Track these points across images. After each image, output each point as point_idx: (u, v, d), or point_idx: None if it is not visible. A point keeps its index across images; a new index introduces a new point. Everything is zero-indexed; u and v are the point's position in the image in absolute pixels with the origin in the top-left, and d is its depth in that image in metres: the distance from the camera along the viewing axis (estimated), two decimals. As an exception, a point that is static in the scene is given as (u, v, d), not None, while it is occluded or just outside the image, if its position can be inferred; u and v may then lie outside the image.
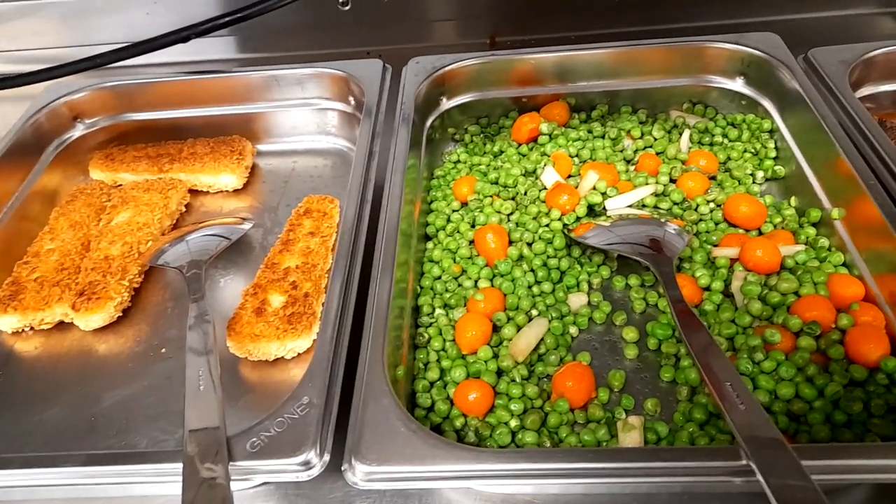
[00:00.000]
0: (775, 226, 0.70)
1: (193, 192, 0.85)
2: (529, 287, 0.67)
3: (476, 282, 0.68)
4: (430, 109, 0.85)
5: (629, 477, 0.46)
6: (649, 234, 0.67)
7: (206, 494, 0.44)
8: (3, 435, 0.61)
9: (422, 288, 0.68)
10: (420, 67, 0.84)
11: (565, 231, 0.71)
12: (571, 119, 0.86)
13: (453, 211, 0.77)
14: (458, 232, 0.73)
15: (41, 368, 0.66)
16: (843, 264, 0.64)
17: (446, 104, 0.86)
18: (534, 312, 0.65)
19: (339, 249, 0.64)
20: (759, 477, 0.42)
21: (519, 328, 0.63)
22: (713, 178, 0.77)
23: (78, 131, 0.90)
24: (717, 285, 0.64)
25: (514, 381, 0.59)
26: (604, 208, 0.73)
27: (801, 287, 0.61)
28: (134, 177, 0.84)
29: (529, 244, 0.70)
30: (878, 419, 0.53)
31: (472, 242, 0.72)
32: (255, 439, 0.49)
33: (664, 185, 0.74)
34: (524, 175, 0.78)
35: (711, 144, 0.81)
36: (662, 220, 0.69)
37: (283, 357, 0.63)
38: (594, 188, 0.74)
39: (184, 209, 0.83)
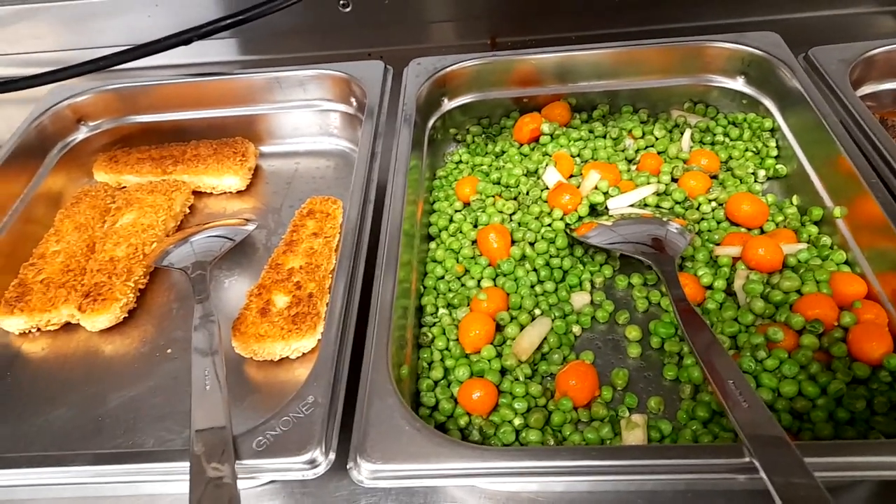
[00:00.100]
0: (777, 224, 0.70)
1: (197, 194, 0.85)
2: (532, 286, 0.67)
3: (479, 281, 0.68)
4: (432, 110, 0.85)
5: (633, 475, 0.46)
6: (651, 233, 0.67)
7: (213, 493, 0.45)
8: (11, 435, 0.61)
9: (425, 288, 0.69)
10: (421, 68, 0.84)
11: (567, 230, 0.71)
12: (573, 119, 0.86)
13: (456, 211, 0.77)
14: (460, 232, 0.74)
15: (48, 369, 0.67)
16: (846, 262, 0.65)
17: (448, 105, 0.87)
18: (537, 312, 0.65)
19: (342, 250, 0.64)
20: (763, 474, 0.42)
21: (522, 327, 0.63)
22: (715, 177, 0.77)
23: (82, 134, 0.90)
24: (720, 284, 0.64)
25: (517, 379, 0.60)
26: (606, 208, 0.73)
27: (803, 285, 0.62)
28: (138, 179, 0.85)
29: (532, 244, 0.70)
30: (881, 416, 0.53)
31: (474, 242, 0.72)
32: (260, 438, 0.49)
33: (666, 185, 0.75)
34: (526, 175, 0.78)
35: (713, 143, 0.81)
36: (664, 219, 0.69)
37: (287, 357, 0.64)
38: (596, 188, 0.74)
39: (188, 211, 0.83)
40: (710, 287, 0.65)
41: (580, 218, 0.72)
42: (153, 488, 0.55)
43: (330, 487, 0.55)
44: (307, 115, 0.90)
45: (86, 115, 0.90)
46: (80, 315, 0.68)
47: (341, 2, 1.03)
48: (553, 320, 0.64)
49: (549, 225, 0.72)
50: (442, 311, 0.66)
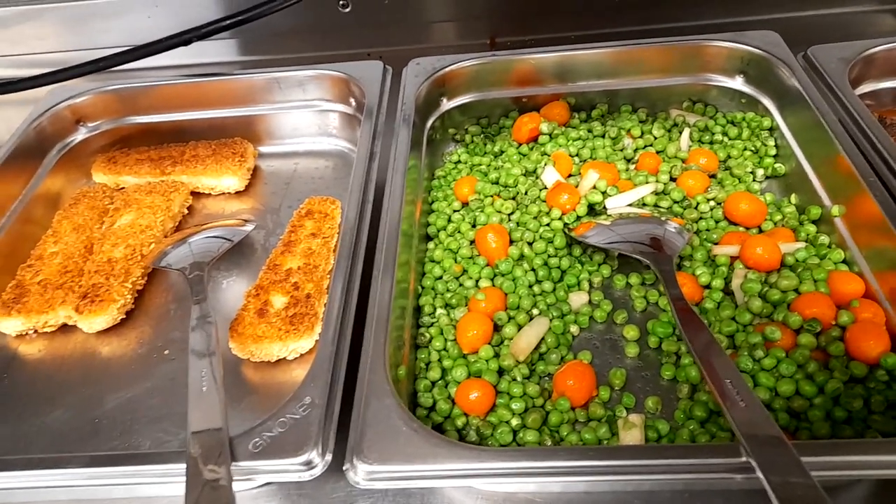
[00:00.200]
0: (775, 223, 0.70)
1: (195, 195, 0.85)
2: (530, 286, 0.67)
3: (477, 281, 0.68)
4: (431, 110, 0.85)
5: (631, 475, 0.46)
6: (650, 232, 0.67)
7: (209, 495, 0.45)
8: (8, 437, 0.61)
9: (423, 288, 0.69)
10: (420, 68, 0.84)
11: (566, 230, 0.71)
12: (571, 118, 0.86)
13: (454, 211, 0.77)
14: (458, 232, 0.73)
15: (45, 371, 0.67)
16: (844, 261, 0.65)
17: (447, 105, 0.87)
18: (535, 311, 0.65)
19: (340, 250, 0.64)
20: (760, 474, 0.42)
21: (520, 327, 0.63)
22: (713, 176, 0.77)
23: (81, 135, 0.90)
24: (718, 283, 0.64)
25: (515, 380, 0.59)
26: (604, 207, 0.73)
27: (801, 284, 0.61)
28: (136, 179, 0.85)
29: (530, 243, 0.70)
30: (878, 415, 0.53)
31: (472, 242, 0.72)
32: (257, 439, 0.49)
33: (664, 184, 0.75)
34: (525, 175, 0.78)
35: (711, 143, 0.81)
36: (663, 218, 0.69)
37: (285, 358, 0.64)
38: (594, 187, 0.74)
39: (186, 211, 0.83)
40: (708, 286, 0.65)
41: (578, 217, 0.72)
42: (149, 490, 0.55)
43: (326, 489, 0.55)
44: (306, 116, 0.90)
45: (85, 115, 0.90)
46: (78, 316, 0.68)
47: (341, 2, 1.03)
48: (551, 320, 0.64)
49: (548, 224, 0.72)
50: (440, 311, 0.66)
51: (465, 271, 0.70)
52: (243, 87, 0.90)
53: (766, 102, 0.81)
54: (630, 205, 0.73)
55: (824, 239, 0.66)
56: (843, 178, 0.66)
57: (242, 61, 1.11)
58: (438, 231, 0.74)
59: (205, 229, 0.76)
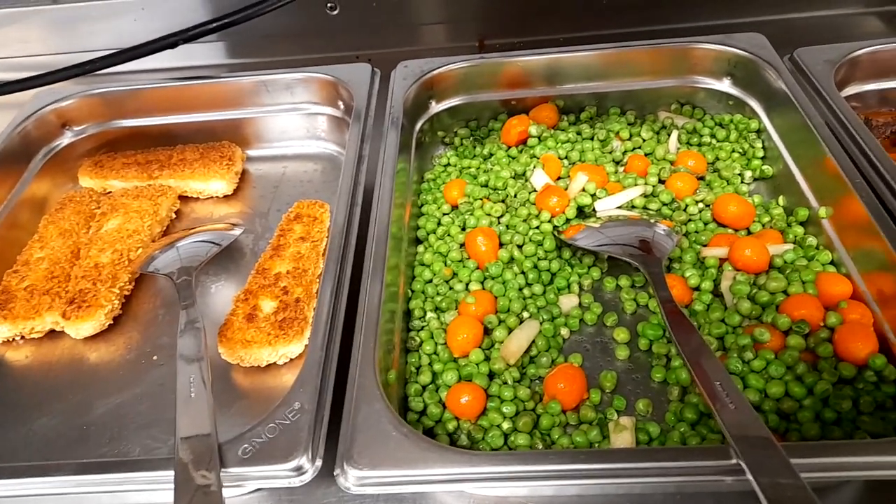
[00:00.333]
0: (763, 225, 0.70)
1: (183, 199, 0.85)
2: (520, 289, 0.67)
3: (467, 285, 0.68)
4: (420, 113, 0.85)
5: (622, 477, 0.46)
6: (639, 234, 0.67)
7: (199, 502, 0.44)
8: (-6, 445, 0.60)
9: (413, 291, 0.69)
10: (409, 71, 0.84)
11: (555, 233, 0.71)
12: (560, 121, 0.86)
13: (444, 214, 0.77)
14: (448, 235, 0.73)
15: (32, 377, 0.66)
16: (831, 263, 0.65)
17: (435, 108, 0.87)
18: (525, 315, 0.65)
19: (329, 254, 0.64)
20: (750, 476, 0.43)
21: (510, 330, 0.63)
22: (702, 178, 0.77)
23: (66, 139, 0.90)
24: (707, 285, 0.65)
25: (505, 383, 0.59)
26: (593, 210, 0.73)
27: (789, 286, 0.62)
28: (123, 184, 0.84)
29: (520, 246, 0.70)
30: (867, 416, 0.53)
31: (462, 245, 0.72)
32: (246, 445, 0.49)
33: (653, 186, 0.75)
34: (514, 177, 0.78)
35: (700, 145, 0.81)
36: (652, 220, 0.69)
37: (274, 363, 0.63)
38: (584, 190, 0.74)
39: (174, 216, 0.83)
40: (697, 288, 0.65)
41: (568, 220, 0.72)
42: (139, 498, 0.55)
43: (317, 494, 0.55)
44: (294, 119, 0.90)
45: (71, 119, 0.90)
46: (65, 322, 0.67)
47: (329, 4, 1.03)
48: (541, 323, 0.64)
49: (537, 227, 0.72)
50: (430, 314, 0.66)
51: (454, 274, 0.69)
52: (231, 90, 0.89)
53: (754, 104, 0.81)
54: (619, 207, 0.73)
55: (812, 240, 0.67)
56: (830, 180, 0.67)
57: (230, 64, 1.10)
58: (428, 234, 0.74)
59: (193, 234, 0.76)
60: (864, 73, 0.82)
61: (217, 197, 0.85)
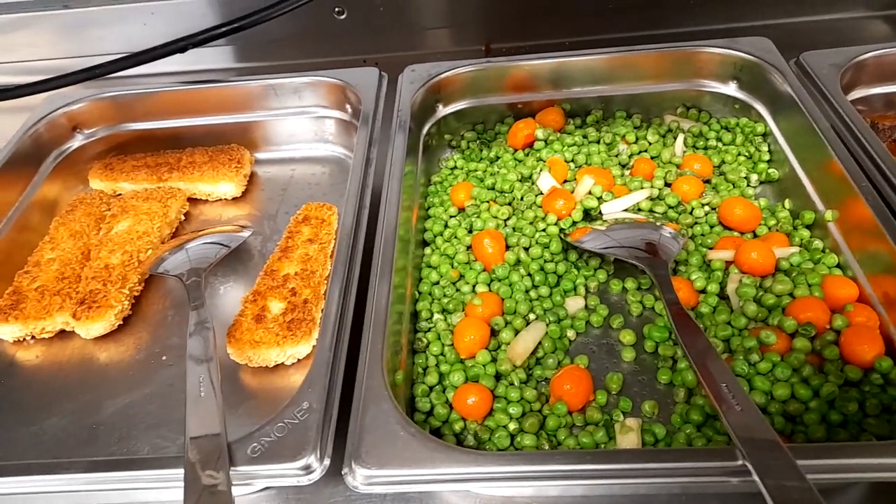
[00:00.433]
0: (770, 228, 0.71)
1: (192, 201, 0.86)
2: (527, 291, 0.67)
3: (474, 286, 0.68)
4: (427, 116, 0.86)
5: (627, 478, 0.46)
6: (645, 237, 0.67)
7: (208, 501, 0.45)
8: (4, 443, 0.61)
9: (420, 293, 0.69)
10: (416, 75, 0.85)
11: (562, 235, 0.71)
12: (567, 124, 0.86)
13: (451, 216, 0.77)
14: (455, 237, 0.74)
15: (42, 377, 0.67)
16: (837, 265, 0.65)
17: (442, 111, 0.87)
18: (531, 316, 0.65)
19: (337, 256, 0.64)
20: (756, 477, 0.43)
21: (517, 332, 0.63)
22: (708, 181, 0.78)
23: (77, 141, 0.90)
24: (713, 288, 0.65)
25: (512, 384, 0.60)
26: (600, 212, 0.73)
27: (795, 289, 0.62)
28: (133, 186, 0.85)
29: (526, 249, 0.71)
30: (873, 419, 0.53)
31: (469, 247, 0.72)
32: (255, 444, 0.49)
33: (659, 189, 0.75)
34: (520, 180, 0.79)
35: (706, 148, 0.81)
36: (658, 223, 0.69)
37: (283, 363, 0.64)
38: (590, 193, 0.74)
39: (183, 218, 0.83)
40: (703, 291, 0.65)
41: (574, 223, 0.72)
42: (147, 496, 0.55)
43: (325, 493, 0.55)
44: (302, 122, 0.91)
45: (81, 122, 0.90)
46: (75, 322, 0.68)
47: (336, 9, 1.03)
48: (547, 325, 0.64)
49: (544, 230, 0.72)
50: (437, 316, 0.66)
51: (461, 276, 0.70)
52: (240, 93, 0.90)
53: (760, 108, 0.81)
54: (625, 210, 0.73)
55: (818, 243, 0.67)
56: (836, 183, 0.67)
57: (239, 68, 1.11)
58: (435, 236, 0.75)
59: (202, 235, 0.76)
60: (870, 77, 0.82)
61: (226, 199, 0.86)
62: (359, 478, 0.48)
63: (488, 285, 0.68)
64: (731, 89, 0.84)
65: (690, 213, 0.73)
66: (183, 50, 0.85)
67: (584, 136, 0.84)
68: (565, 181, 0.78)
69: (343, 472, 0.48)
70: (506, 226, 0.74)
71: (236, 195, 0.85)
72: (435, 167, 0.86)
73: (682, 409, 0.57)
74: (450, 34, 1.08)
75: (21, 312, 0.68)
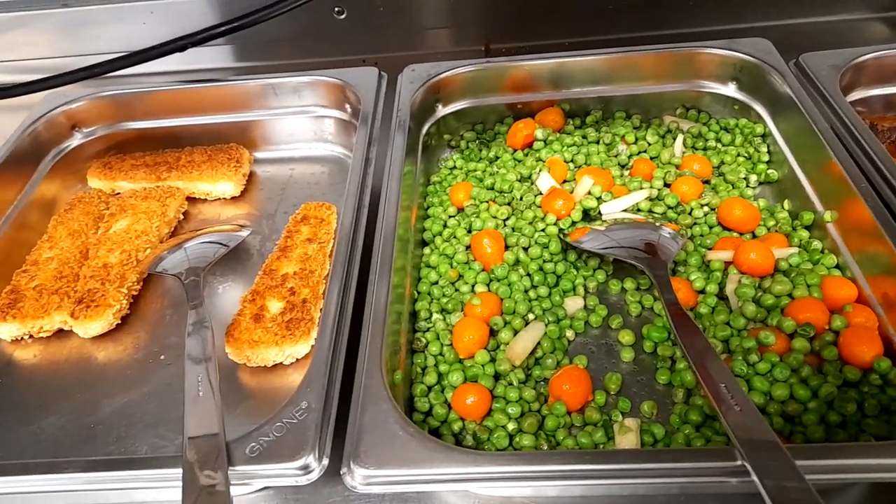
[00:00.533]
0: (769, 229, 0.71)
1: (191, 200, 0.85)
2: (526, 291, 0.67)
3: (473, 286, 0.68)
4: (426, 116, 0.86)
5: (626, 478, 0.46)
6: (644, 238, 0.67)
7: (206, 501, 0.45)
8: (2, 443, 0.61)
9: (419, 293, 0.69)
10: (415, 75, 0.85)
11: (561, 235, 0.71)
12: (566, 125, 0.86)
13: (450, 216, 0.77)
14: (454, 237, 0.74)
15: (40, 376, 0.66)
16: (836, 266, 0.65)
17: (442, 111, 0.87)
18: (530, 316, 0.65)
19: (336, 255, 0.64)
20: (755, 477, 0.43)
21: (516, 332, 0.63)
22: (707, 182, 0.78)
23: (76, 140, 0.90)
24: (712, 288, 0.65)
25: (511, 384, 0.60)
26: (599, 213, 0.73)
27: (794, 289, 0.62)
28: (132, 185, 0.85)
29: (525, 249, 0.71)
30: (871, 419, 0.53)
31: (468, 247, 0.72)
32: (254, 444, 0.49)
33: (658, 190, 0.75)
34: (520, 180, 0.79)
35: (705, 149, 0.82)
36: (657, 224, 0.69)
37: (281, 363, 0.64)
38: (589, 193, 0.74)
39: (182, 217, 0.83)
40: (702, 291, 0.65)
41: (573, 223, 0.72)
42: (145, 495, 0.55)
43: (324, 493, 0.55)
44: (302, 122, 0.91)
45: (80, 121, 0.90)
46: (73, 321, 0.67)
47: (336, 9, 1.03)
48: (546, 325, 0.64)
49: (543, 230, 0.72)
50: (436, 316, 0.66)
51: (460, 276, 0.70)
52: (238, 93, 0.90)
53: (759, 109, 0.82)
54: (625, 210, 0.73)
55: (817, 244, 0.67)
56: (835, 184, 0.67)
57: (237, 67, 1.11)
58: (434, 236, 0.75)
59: (200, 235, 0.76)
60: (869, 79, 0.83)
61: (224, 198, 0.86)
62: (357, 478, 0.48)
63: (487, 285, 0.68)
64: (730, 90, 0.84)
65: (689, 213, 0.73)
66: (182, 49, 0.85)
67: (584, 137, 0.84)
68: (564, 181, 0.78)
69: (341, 472, 0.48)
70: (505, 226, 0.74)
71: (235, 194, 0.85)
72: (434, 167, 0.86)
73: (681, 410, 0.57)
74: (450, 34, 1.08)
75: (19, 311, 0.68)
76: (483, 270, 0.70)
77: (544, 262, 0.70)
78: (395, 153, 0.74)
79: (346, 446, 0.49)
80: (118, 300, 0.69)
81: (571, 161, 0.80)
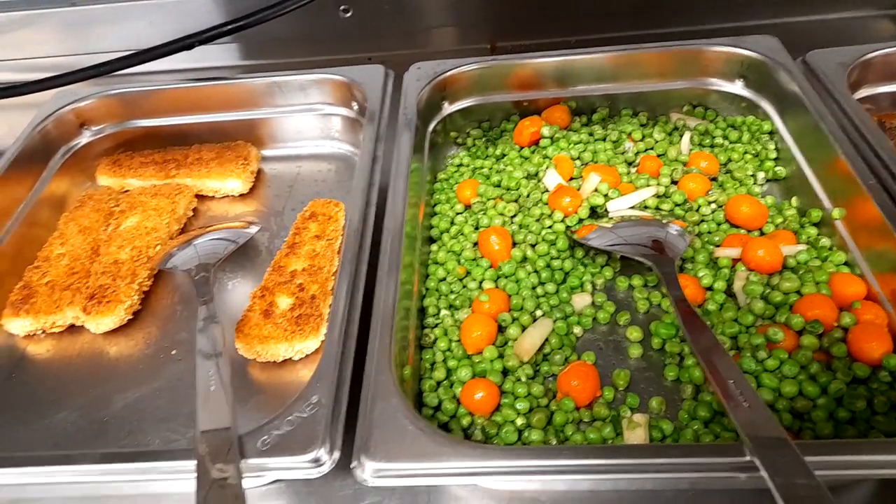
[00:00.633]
0: (777, 226, 0.71)
1: (200, 197, 0.86)
2: (533, 288, 0.67)
3: (481, 283, 0.69)
4: (433, 114, 0.86)
5: (635, 473, 0.47)
6: (651, 235, 0.67)
7: (218, 493, 0.45)
8: (15, 437, 0.61)
9: (427, 289, 0.69)
10: (422, 73, 0.85)
11: (568, 233, 0.71)
12: (573, 122, 0.86)
13: (457, 214, 0.77)
14: (462, 234, 0.74)
15: (53, 371, 0.67)
16: (845, 263, 0.65)
17: (448, 109, 0.87)
18: (538, 313, 0.65)
19: (344, 252, 0.64)
20: (764, 474, 0.43)
21: (524, 328, 0.64)
22: (714, 179, 0.78)
23: (85, 138, 0.91)
24: (720, 285, 0.65)
25: (519, 380, 0.60)
26: (606, 210, 0.73)
27: (803, 286, 0.62)
28: (141, 182, 0.85)
29: (533, 246, 0.71)
30: (881, 416, 0.53)
31: (475, 244, 0.72)
32: (265, 437, 0.49)
33: (665, 187, 0.75)
34: (526, 178, 0.79)
35: (712, 146, 0.82)
36: (664, 221, 0.69)
37: (291, 358, 0.64)
38: (596, 190, 0.75)
39: (191, 214, 0.84)
40: (710, 288, 0.65)
41: (580, 220, 0.73)
42: (159, 487, 0.56)
43: (334, 486, 0.56)
44: (309, 119, 0.91)
45: (89, 119, 0.91)
46: (85, 317, 0.68)
47: (342, 7, 1.04)
48: (554, 321, 0.64)
49: (550, 227, 0.72)
50: (444, 312, 0.66)
51: (468, 273, 0.70)
52: (246, 90, 0.90)
53: (766, 106, 0.81)
54: (632, 207, 0.73)
55: (825, 241, 0.67)
56: (843, 181, 0.67)
57: (244, 66, 1.11)
58: (441, 233, 0.75)
59: (210, 231, 0.77)
60: (876, 76, 0.82)
61: (233, 196, 0.86)
62: (368, 471, 0.48)
63: (495, 282, 0.69)
64: (737, 87, 0.84)
65: (697, 210, 0.73)
66: (190, 47, 0.86)
67: (591, 134, 0.84)
68: (571, 178, 0.78)
69: (352, 466, 0.49)
70: (512, 223, 0.75)
71: (243, 192, 0.86)
72: (441, 164, 0.86)
73: (690, 406, 0.57)
74: (455, 33, 1.08)
75: (32, 307, 0.69)
76: (490, 267, 0.70)
77: (552, 258, 0.70)
78: (401, 150, 0.75)
79: (356, 440, 0.50)
80: (129, 296, 0.69)
81: (578, 158, 0.81)
